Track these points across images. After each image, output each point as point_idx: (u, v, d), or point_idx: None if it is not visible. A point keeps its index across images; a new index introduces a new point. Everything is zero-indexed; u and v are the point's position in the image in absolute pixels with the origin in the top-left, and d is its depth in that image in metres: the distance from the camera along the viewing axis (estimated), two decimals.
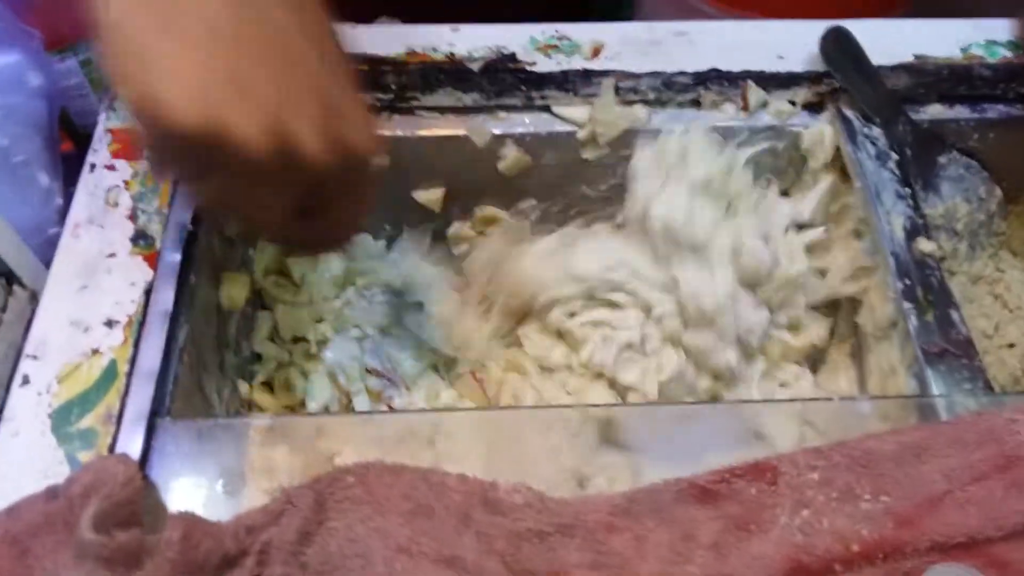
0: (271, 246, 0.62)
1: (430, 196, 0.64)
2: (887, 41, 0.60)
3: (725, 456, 0.41)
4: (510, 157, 0.61)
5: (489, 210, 0.65)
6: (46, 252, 0.50)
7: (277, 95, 0.36)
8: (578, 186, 0.64)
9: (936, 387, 0.46)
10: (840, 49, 0.59)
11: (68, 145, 0.72)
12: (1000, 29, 0.62)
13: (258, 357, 0.61)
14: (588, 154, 0.61)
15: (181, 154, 0.38)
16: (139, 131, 0.37)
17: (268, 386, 0.60)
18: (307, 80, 0.38)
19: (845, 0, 0.73)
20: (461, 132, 0.60)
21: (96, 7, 0.36)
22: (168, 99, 0.34)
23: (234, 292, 0.57)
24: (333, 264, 0.64)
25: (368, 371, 0.60)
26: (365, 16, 0.61)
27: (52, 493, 0.40)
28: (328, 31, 0.41)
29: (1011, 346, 0.57)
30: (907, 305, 0.49)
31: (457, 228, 0.67)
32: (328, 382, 0.61)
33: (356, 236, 0.46)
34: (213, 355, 0.54)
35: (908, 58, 0.60)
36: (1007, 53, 0.61)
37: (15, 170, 0.63)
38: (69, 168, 0.62)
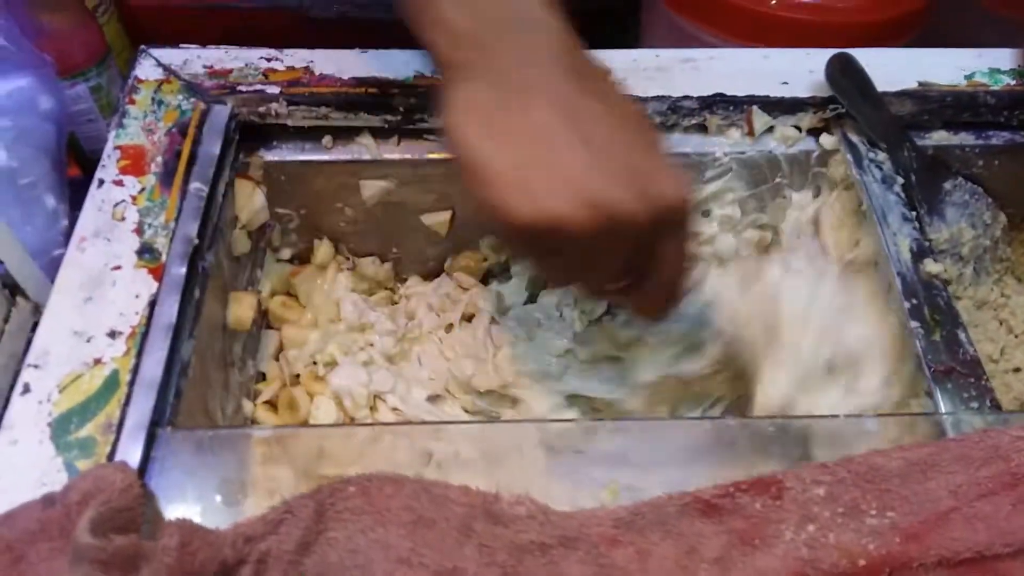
0: (278, 265, 0.63)
1: (437, 219, 0.64)
2: (891, 68, 0.61)
3: (730, 472, 0.41)
4: None
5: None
6: (50, 273, 0.50)
7: (589, 172, 0.40)
8: None
9: (943, 406, 0.45)
10: (845, 75, 0.60)
11: (75, 171, 0.73)
12: (1003, 58, 0.63)
13: (263, 376, 0.61)
14: None
15: (522, 245, 0.43)
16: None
17: (273, 406, 0.60)
18: (607, 145, 0.41)
19: (850, 34, 0.73)
20: None
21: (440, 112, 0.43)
22: (500, 205, 0.40)
23: (241, 313, 0.57)
24: (341, 285, 0.64)
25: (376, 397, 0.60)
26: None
27: (49, 500, 0.39)
28: (609, 87, 0.45)
29: (1016, 370, 0.57)
30: (914, 324, 0.49)
31: (465, 255, 0.67)
32: (334, 406, 0.60)
33: (684, 296, 0.48)
34: (218, 372, 0.54)
35: (912, 85, 0.60)
36: (1010, 81, 0.61)
37: (22, 192, 0.63)
38: (76, 193, 0.62)
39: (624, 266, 0.44)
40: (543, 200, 0.40)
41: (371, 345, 0.63)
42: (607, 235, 0.40)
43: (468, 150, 0.41)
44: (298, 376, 0.61)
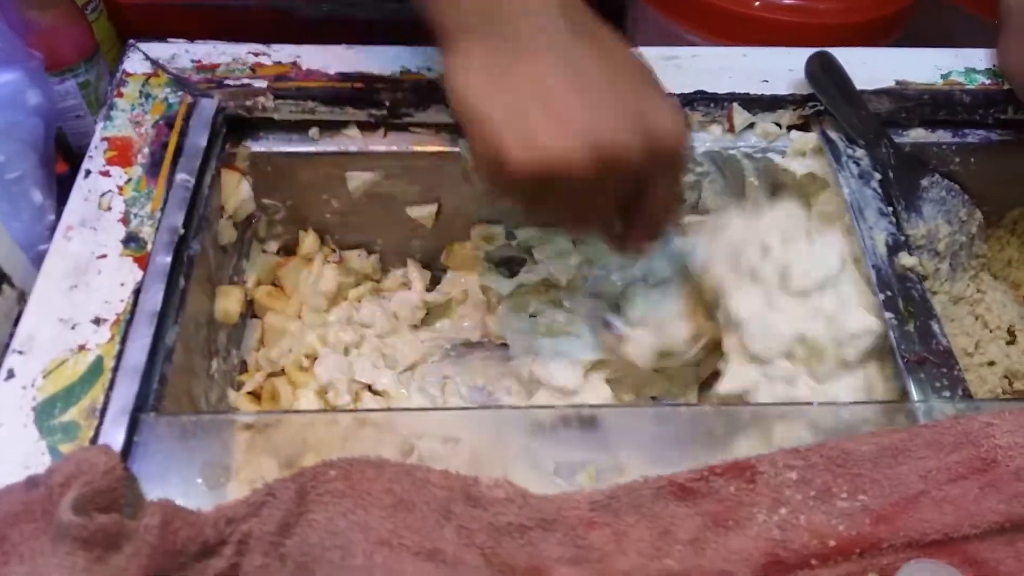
0: (264, 256, 0.63)
1: (422, 212, 0.65)
2: (869, 67, 0.62)
3: (705, 456, 0.41)
4: None
5: (483, 228, 0.66)
6: (36, 267, 0.51)
7: (588, 114, 0.42)
8: None
9: (916, 395, 0.46)
10: (825, 73, 0.61)
11: (63, 167, 0.73)
12: (978, 57, 0.64)
13: (246, 365, 0.61)
14: None
15: (520, 192, 0.44)
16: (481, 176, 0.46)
17: (256, 396, 0.61)
18: (608, 88, 0.43)
19: (831, 36, 0.75)
20: (454, 149, 0.61)
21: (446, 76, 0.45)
22: (503, 153, 0.42)
23: (229, 306, 0.58)
24: (325, 278, 0.64)
25: (355, 381, 0.61)
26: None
27: (32, 482, 0.40)
28: (605, 36, 0.46)
29: (991, 364, 0.58)
30: (888, 315, 0.50)
31: (457, 247, 0.68)
32: (316, 397, 0.61)
33: (671, 228, 0.52)
34: (202, 360, 0.54)
35: (890, 83, 0.61)
36: (985, 80, 0.62)
37: (9, 186, 0.63)
38: (63, 189, 0.62)
39: (616, 205, 0.46)
40: (544, 144, 0.42)
41: (355, 336, 0.63)
42: (606, 174, 0.42)
43: (470, 106, 0.43)
44: (282, 367, 0.62)
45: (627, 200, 0.46)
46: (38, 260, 0.51)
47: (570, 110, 0.42)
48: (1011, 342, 0.60)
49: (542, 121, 0.42)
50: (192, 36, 0.62)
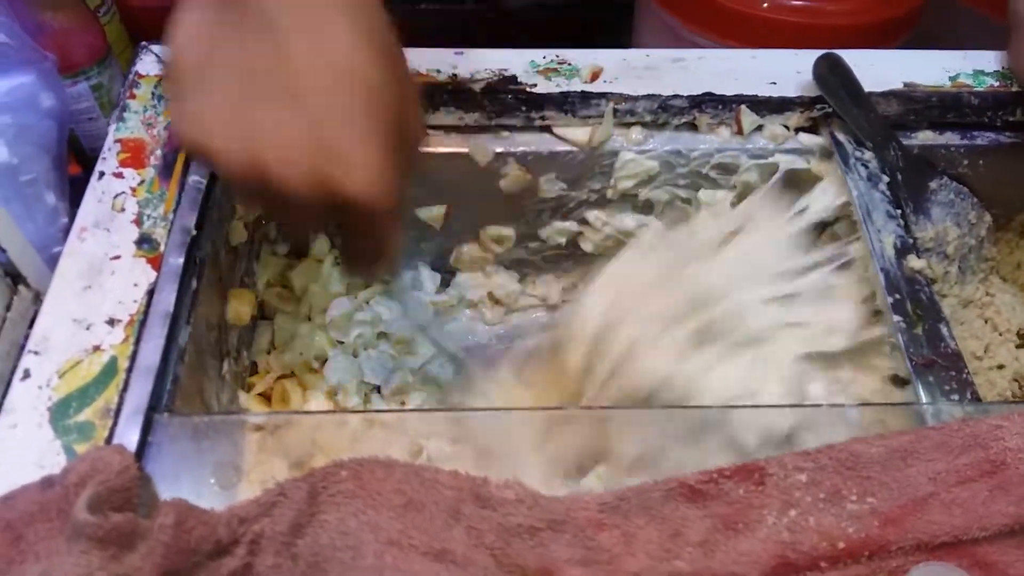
0: (274, 258, 0.63)
1: (432, 213, 0.65)
2: (877, 69, 0.62)
3: (713, 458, 0.42)
4: (511, 175, 0.62)
5: (494, 229, 0.67)
6: (50, 268, 0.51)
7: (266, 123, 0.38)
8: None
9: (924, 397, 0.46)
10: (833, 75, 0.61)
11: (76, 169, 0.74)
12: (987, 59, 0.64)
13: (256, 367, 0.62)
14: None
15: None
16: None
17: (266, 398, 0.61)
18: (316, 105, 0.38)
19: (839, 37, 0.75)
20: (463, 150, 0.62)
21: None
22: (177, 127, 0.41)
23: (241, 309, 0.58)
24: (336, 279, 0.65)
25: (364, 383, 0.61)
26: None
27: (48, 482, 0.40)
28: (371, 43, 0.40)
29: (1000, 367, 0.58)
30: (896, 318, 0.50)
31: (466, 250, 0.68)
32: (325, 399, 0.61)
33: (391, 267, 0.49)
34: (213, 361, 0.55)
35: (898, 86, 0.61)
36: (994, 82, 0.62)
37: (23, 188, 0.64)
38: (75, 191, 0.63)
39: (315, 219, 0.42)
40: (206, 135, 0.39)
41: (364, 338, 0.64)
42: (270, 192, 0.39)
43: (175, 59, 0.41)
44: (292, 369, 0.62)
45: (330, 220, 0.42)
46: (51, 262, 0.52)
47: (253, 114, 0.38)
48: (1021, 345, 0.60)
49: (220, 114, 0.39)
50: None
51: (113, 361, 0.45)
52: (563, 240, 0.67)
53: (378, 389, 0.63)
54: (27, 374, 0.45)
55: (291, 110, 0.38)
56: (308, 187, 0.38)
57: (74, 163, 0.73)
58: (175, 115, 0.41)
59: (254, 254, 0.63)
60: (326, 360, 0.63)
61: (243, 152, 0.38)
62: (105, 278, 0.49)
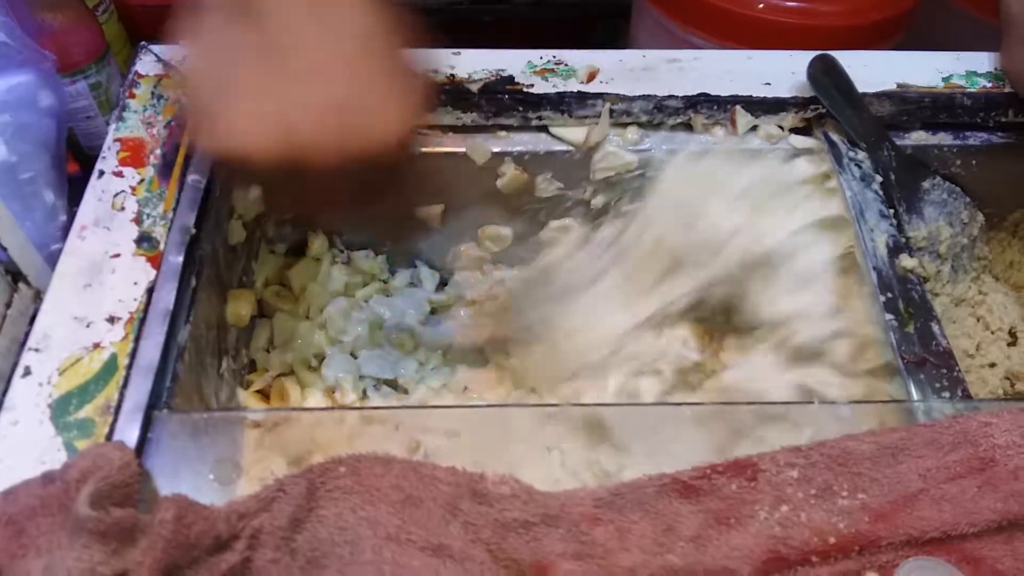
0: (272, 256, 0.64)
1: (429, 212, 0.66)
2: (871, 70, 0.62)
3: (708, 455, 0.42)
4: (508, 175, 0.63)
5: (491, 229, 0.67)
6: (49, 266, 0.52)
7: (285, 102, 0.40)
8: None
9: (915, 394, 0.47)
10: (827, 76, 0.61)
11: (74, 167, 0.74)
12: (980, 60, 0.65)
13: (254, 365, 0.62)
14: None
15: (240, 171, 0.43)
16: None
17: (264, 396, 0.61)
18: (325, 76, 0.40)
19: (833, 38, 0.75)
20: (461, 150, 0.62)
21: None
22: (199, 135, 0.41)
23: (240, 309, 0.59)
24: (334, 277, 0.65)
25: (362, 377, 0.61)
26: None
27: (49, 477, 0.40)
28: (360, 20, 0.42)
29: (992, 365, 0.59)
30: (888, 317, 0.50)
31: (464, 249, 0.68)
32: (324, 396, 0.62)
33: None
34: (212, 359, 0.55)
35: (891, 86, 0.62)
36: (986, 83, 0.63)
37: (22, 186, 0.64)
38: (73, 189, 0.63)
39: (349, 194, 0.44)
40: (234, 134, 0.40)
41: (362, 336, 0.64)
42: (305, 170, 0.40)
43: (194, 86, 0.42)
44: (290, 367, 0.63)
45: (362, 190, 0.44)
46: (51, 260, 0.52)
47: (271, 99, 0.40)
48: (1012, 344, 0.61)
49: (241, 106, 0.40)
50: None
51: (113, 358, 0.46)
52: None
53: (379, 384, 0.63)
54: (28, 371, 0.45)
55: (312, 84, 0.40)
56: (341, 149, 0.40)
57: (72, 162, 0.73)
58: (205, 134, 0.41)
59: (253, 253, 0.64)
60: (324, 358, 0.63)
61: (278, 140, 0.39)
62: (105, 276, 0.49)
